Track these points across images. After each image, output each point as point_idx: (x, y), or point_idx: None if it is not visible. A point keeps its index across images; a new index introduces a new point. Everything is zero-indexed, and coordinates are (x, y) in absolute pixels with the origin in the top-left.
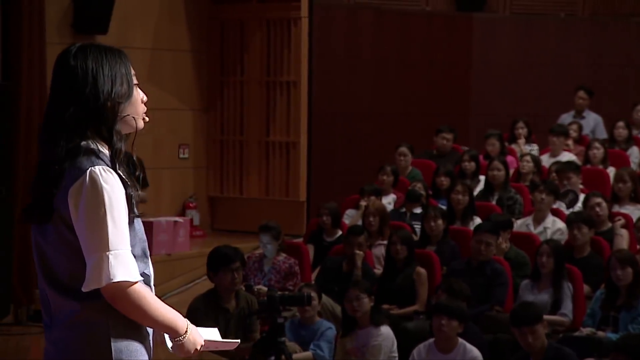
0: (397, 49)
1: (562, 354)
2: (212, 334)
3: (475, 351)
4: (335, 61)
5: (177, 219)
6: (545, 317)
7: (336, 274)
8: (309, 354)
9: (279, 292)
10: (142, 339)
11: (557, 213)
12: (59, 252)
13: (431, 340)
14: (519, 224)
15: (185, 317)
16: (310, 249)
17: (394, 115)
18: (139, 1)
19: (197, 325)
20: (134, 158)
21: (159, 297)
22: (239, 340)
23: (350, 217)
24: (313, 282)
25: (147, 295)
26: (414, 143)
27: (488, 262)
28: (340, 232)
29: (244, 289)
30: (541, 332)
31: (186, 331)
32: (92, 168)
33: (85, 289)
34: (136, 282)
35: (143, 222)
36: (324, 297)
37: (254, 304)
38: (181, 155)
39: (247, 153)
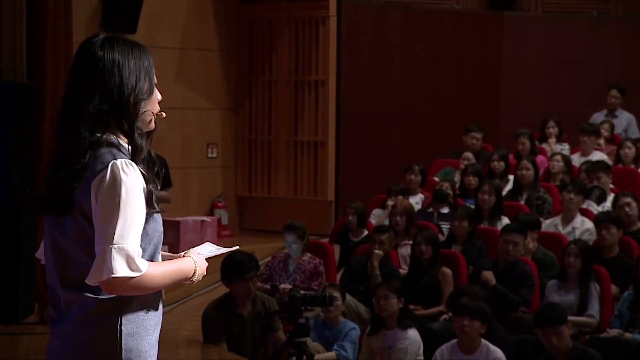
0: (426, 48)
1: (587, 356)
2: (211, 249)
3: (498, 352)
4: (364, 60)
5: (204, 218)
6: (572, 318)
7: (361, 273)
8: (332, 354)
9: (302, 292)
10: (152, 339)
11: (586, 213)
12: (77, 246)
13: (454, 341)
14: (548, 224)
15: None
16: (336, 249)
17: (423, 114)
18: (168, 1)
19: (212, 334)
20: (152, 155)
21: (185, 298)
22: (238, 247)
23: (377, 216)
24: (338, 282)
25: (148, 278)
26: (443, 142)
27: (516, 264)
28: (366, 232)
29: (269, 287)
30: (565, 333)
31: (194, 273)
32: (114, 161)
33: (88, 281)
34: (137, 277)
35: (170, 221)
36: (348, 297)
37: (273, 305)
38: (210, 155)
39: (275, 152)
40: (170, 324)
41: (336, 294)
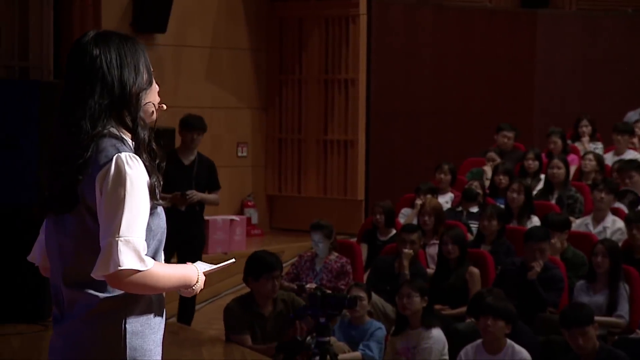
0: (457, 46)
1: (614, 356)
2: (205, 268)
3: (524, 352)
4: (394, 58)
5: (233, 217)
6: (600, 318)
7: (388, 273)
8: (357, 354)
9: (325, 292)
10: (157, 337)
11: (617, 212)
12: (81, 243)
13: (479, 341)
14: (578, 224)
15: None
16: (364, 248)
17: (453, 113)
18: (198, 0)
19: (232, 329)
20: (154, 147)
21: (213, 297)
22: (234, 259)
23: (406, 216)
24: (365, 282)
25: (154, 275)
26: (475, 141)
27: (545, 266)
28: (394, 231)
29: (295, 286)
30: (592, 334)
31: (197, 280)
32: (119, 154)
33: (94, 275)
34: (143, 271)
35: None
36: (375, 296)
37: (296, 302)
38: (240, 154)
39: (305, 151)
40: (199, 322)
41: (362, 293)
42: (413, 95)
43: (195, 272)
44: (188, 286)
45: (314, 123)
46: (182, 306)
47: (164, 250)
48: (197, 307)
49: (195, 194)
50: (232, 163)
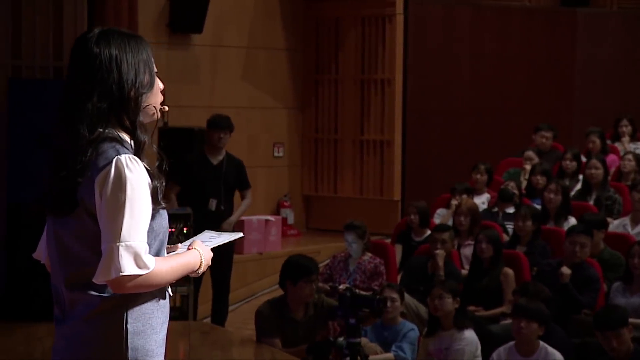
0: (495, 46)
1: None
2: (211, 236)
3: (557, 354)
4: (431, 58)
5: (269, 217)
6: (636, 320)
7: (421, 274)
8: (390, 355)
9: (356, 292)
10: (159, 337)
11: None
12: (82, 244)
13: (511, 343)
14: (616, 224)
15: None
16: (399, 249)
17: (491, 113)
18: (235, 0)
19: (263, 333)
20: (155, 149)
21: (249, 297)
22: (241, 233)
23: (441, 216)
24: (399, 283)
25: (157, 275)
26: (512, 141)
27: (581, 266)
28: (429, 232)
29: (329, 287)
30: (626, 336)
31: (200, 265)
32: (119, 157)
33: (96, 280)
34: (145, 274)
35: None
36: (408, 297)
37: (326, 303)
38: (276, 154)
39: (341, 151)
40: (234, 322)
41: (394, 294)
42: (450, 95)
43: (198, 258)
44: (193, 272)
45: (350, 123)
46: (215, 307)
47: None
48: (232, 307)
49: (230, 224)
50: (268, 163)
